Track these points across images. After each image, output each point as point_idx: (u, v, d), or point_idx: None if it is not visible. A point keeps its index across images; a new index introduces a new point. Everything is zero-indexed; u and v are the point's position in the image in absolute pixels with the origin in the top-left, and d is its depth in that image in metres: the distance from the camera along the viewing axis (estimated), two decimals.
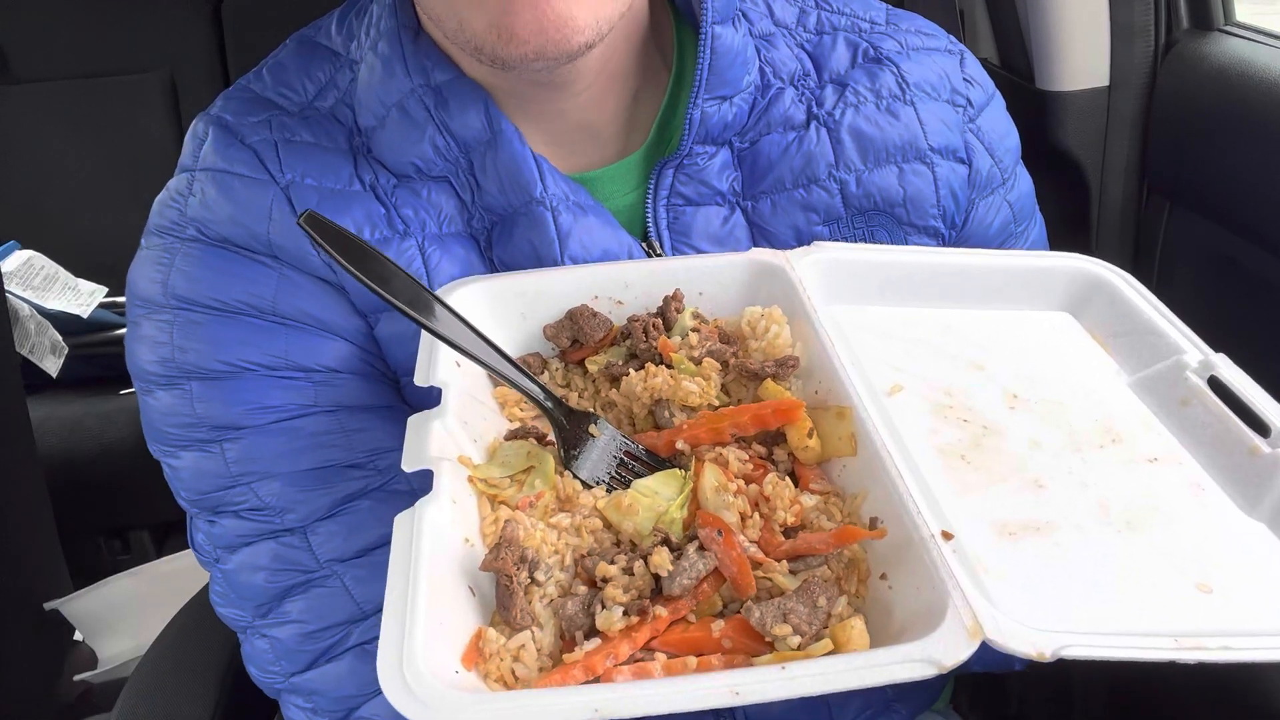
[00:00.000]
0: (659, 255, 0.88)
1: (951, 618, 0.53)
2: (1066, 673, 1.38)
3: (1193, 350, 0.81)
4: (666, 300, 0.84)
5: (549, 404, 0.73)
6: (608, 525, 0.67)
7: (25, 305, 1.93)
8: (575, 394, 0.82)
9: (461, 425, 0.72)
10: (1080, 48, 1.52)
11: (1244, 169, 1.37)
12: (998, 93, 1.01)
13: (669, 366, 0.78)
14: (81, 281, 2.10)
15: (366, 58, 0.87)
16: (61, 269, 2.06)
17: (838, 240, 0.90)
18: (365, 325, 0.86)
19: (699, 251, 0.89)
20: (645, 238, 0.89)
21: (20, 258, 2.03)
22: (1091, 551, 0.64)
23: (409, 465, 0.66)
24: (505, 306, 0.84)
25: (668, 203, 0.89)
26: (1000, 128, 0.99)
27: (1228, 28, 1.50)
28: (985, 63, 1.70)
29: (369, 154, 0.87)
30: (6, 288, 1.79)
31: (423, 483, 0.65)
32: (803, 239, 0.90)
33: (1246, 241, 1.39)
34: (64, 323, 2.01)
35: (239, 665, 0.95)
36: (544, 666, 0.60)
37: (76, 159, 2.07)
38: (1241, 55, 1.40)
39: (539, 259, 0.85)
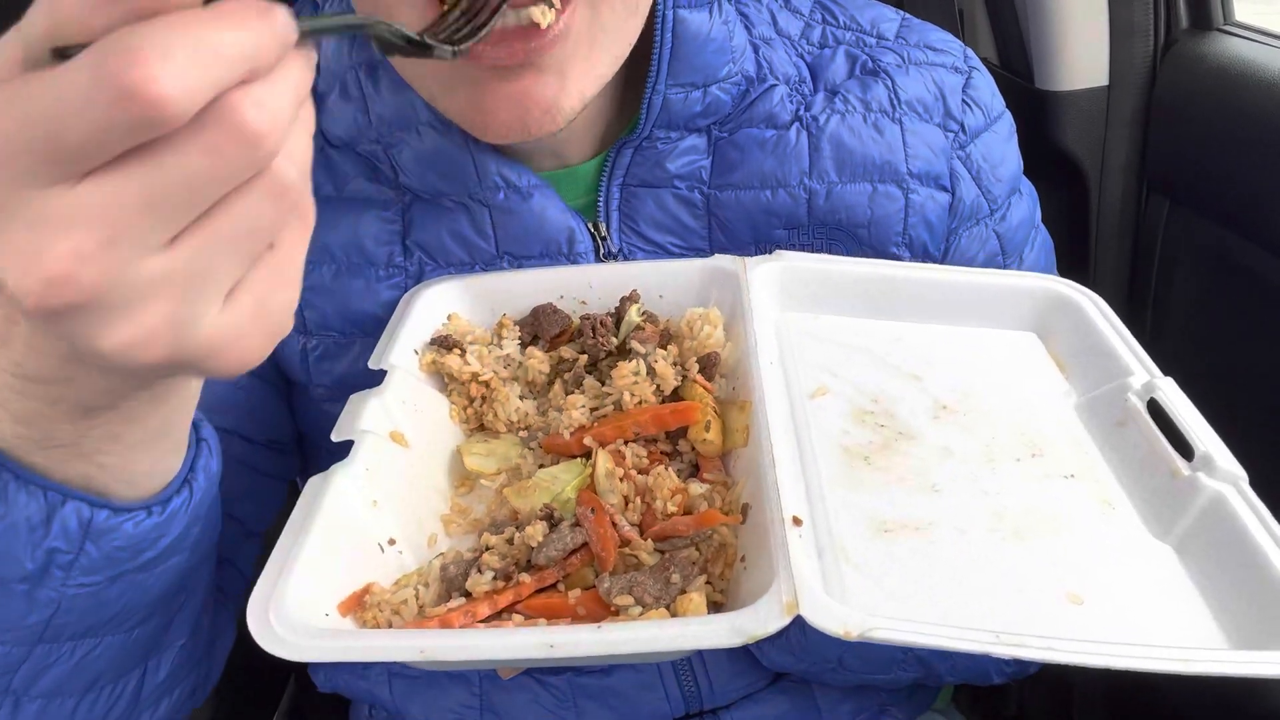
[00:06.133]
0: (603, 239, 0.89)
1: (771, 594, 0.55)
2: (1066, 676, 1.33)
3: (1141, 373, 0.79)
4: (623, 300, 0.87)
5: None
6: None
7: None
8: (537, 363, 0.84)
9: (400, 404, 0.78)
10: (1079, 47, 1.50)
11: (1244, 169, 1.33)
12: (1005, 116, 0.98)
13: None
14: None
15: None
16: None
17: (795, 246, 0.91)
18: None
19: (643, 237, 0.90)
20: (596, 220, 0.90)
21: None
22: (966, 554, 0.64)
23: (336, 435, 0.72)
24: (477, 302, 0.90)
25: (622, 183, 0.89)
26: (995, 155, 0.96)
27: (1227, 27, 1.47)
28: (984, 62, 1.68)
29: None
30: None
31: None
32: (759, 239, 0.91)
33: (1246, 241, 1.35)
34: None
35: (239, 665, 0.99)
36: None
37: None
38: (1241, 55, 1.37)
39: (468, 247, 0.88)
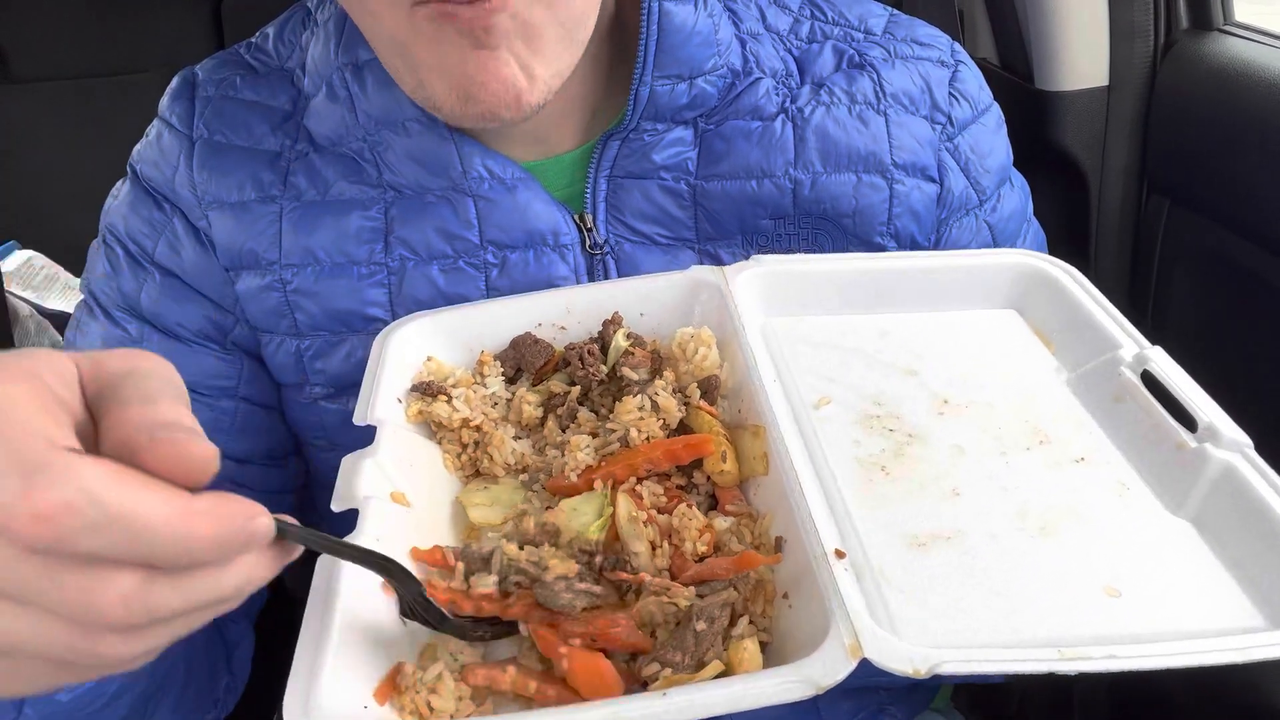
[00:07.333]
0: (591, 231, 0.90)
1: (832, 638, 0.55)
2: (1067, 674, 1.36)
3: (1129, 344, 0.80)
4: (606, 324, 0.85)
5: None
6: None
7: (25, 305, 1.91)
8: (530, 408, 0.83)
9: (395, 462, 0.74)
10: (1079, 48, 1.51)
11: (1243, 168, 1.36)
12: (993, 109, 1.00)
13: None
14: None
15: (319, 29, 0.91)
16: (61, 269, 2.05)
17: (781, 236, 0.91)
18: (228, 280, 0.91)
19: (630, 228, 0.91)
20: (582, 211, 0.91)
21: (20, 258, 2.02)
22: (1000, 558, 0.64)
23: (337, 505, 0.69)
24: (451, 338, 0.87)
25: (610, 175, 0.90)
26: (983, 147, 0.97)
27: (1227, 27, 1.49)
28: (984, 63, 1.69)
29: (301, 119, 0.91)
30: (6, 288, 1.79)
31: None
32: (745, 229, 0.92)
33: (1246, 241, 1.37)
34: (64, 323, 1.96)
35: (238, 667, 1.00)
36: (462, 695, 0.62)
37: (76, 159, 2.04)
38: (1241, 55, 1.38)
39: (450, 239, 0.89)
